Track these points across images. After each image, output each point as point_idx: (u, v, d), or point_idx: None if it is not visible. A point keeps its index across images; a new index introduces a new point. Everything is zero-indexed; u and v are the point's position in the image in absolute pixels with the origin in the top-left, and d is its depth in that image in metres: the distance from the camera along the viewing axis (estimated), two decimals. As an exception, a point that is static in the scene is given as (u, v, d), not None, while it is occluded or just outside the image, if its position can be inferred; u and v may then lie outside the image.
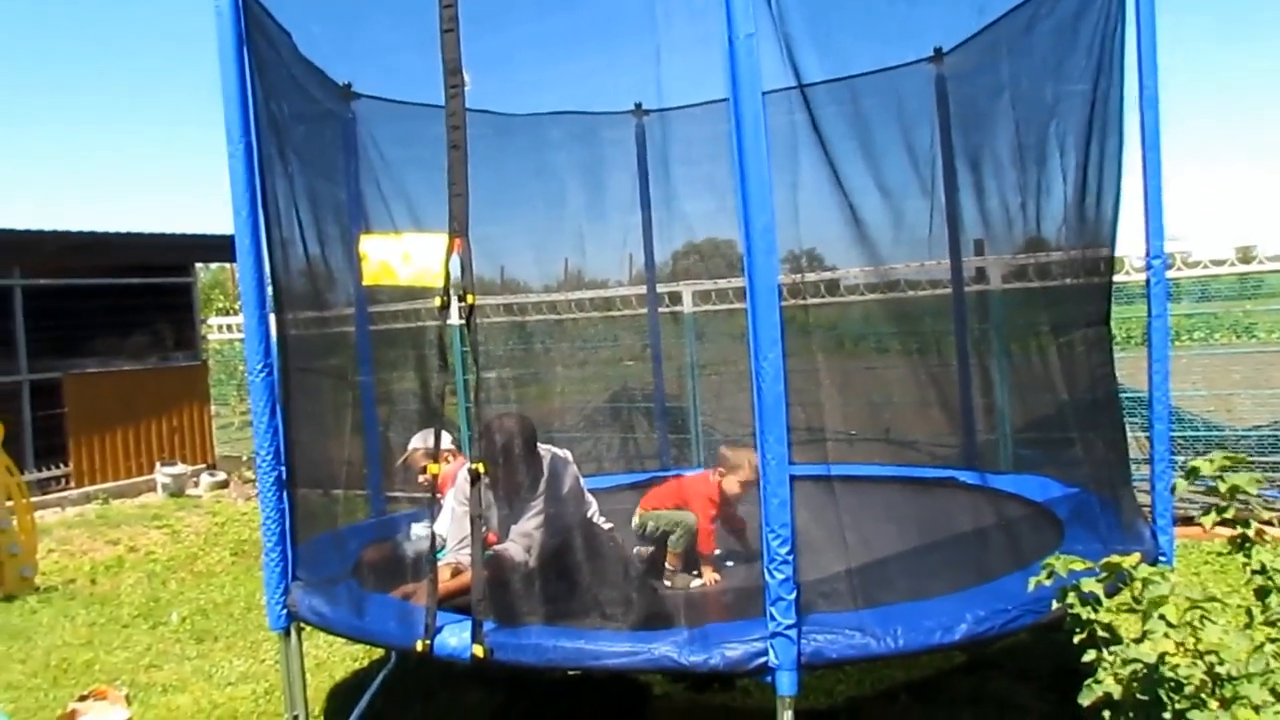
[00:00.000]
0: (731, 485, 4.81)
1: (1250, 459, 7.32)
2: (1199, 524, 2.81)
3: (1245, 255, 7.94)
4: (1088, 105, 4.31)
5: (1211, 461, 2.64)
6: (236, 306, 19.26)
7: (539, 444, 4.09)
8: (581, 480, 4.38)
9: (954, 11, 4.89)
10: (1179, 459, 7.05)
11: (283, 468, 3.89)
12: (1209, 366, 8.22)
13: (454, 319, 3.50)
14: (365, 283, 3.73)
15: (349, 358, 4.92)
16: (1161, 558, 4.17)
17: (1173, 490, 3.86)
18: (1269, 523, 6.58)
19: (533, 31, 4.17)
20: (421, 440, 4.51)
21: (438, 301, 3.36)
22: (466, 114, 3.39)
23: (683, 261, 7.44)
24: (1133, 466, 4.66)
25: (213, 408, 13.30)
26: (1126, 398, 5.53)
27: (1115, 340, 4.82)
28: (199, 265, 14.50)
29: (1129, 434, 4.93)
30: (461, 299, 3.31)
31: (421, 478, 4.22)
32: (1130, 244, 5.21)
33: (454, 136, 3.36)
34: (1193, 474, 2.66)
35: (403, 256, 3.51)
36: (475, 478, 3.34)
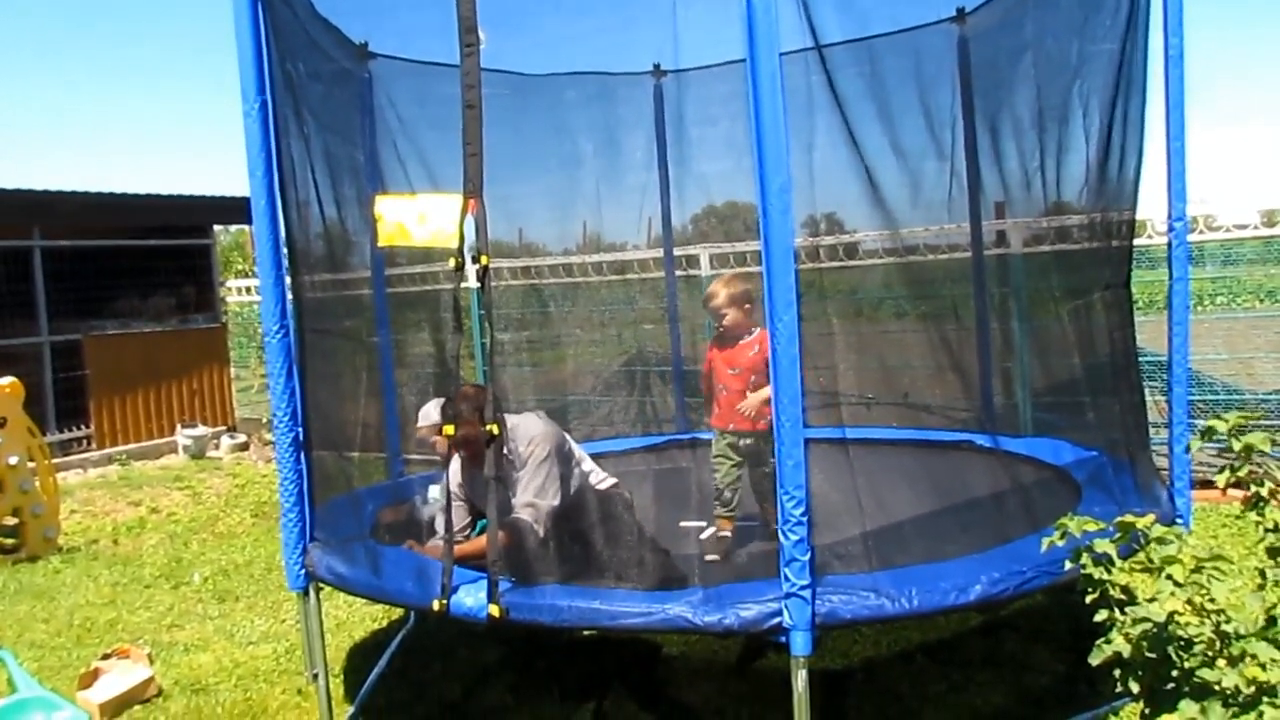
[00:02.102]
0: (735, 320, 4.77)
1: (1270, 421, 7.27)
2: (1217, 486, 2.80)
3: (1270, 219, 7.84)
4: (1113, 64, 4.24)
5: (1226, 420, 2.62)
6: (256, 269, 19.32)
7: (508, 414, 4.08)
8: (571, 442, 4.38)
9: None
10: (1198, 422, 7.03)
11: (300, 429, 3.91)
12: (1230, 330, 8.15)
13: (470, 280, 3.49)
14: (380, 243, 3.72)
15: (366, 319, 4.93)
16: (1178, 520, 4.16)
17: (1188, 450, 3.84)
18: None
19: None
20: (426, 416, 4.51)
21: (452, 262, 3.35)
22: (482, 73, 3.37)
23: (701, 224, 7.40)
24: (1151, 430, 4.64)
25: (232, 370, 13.39)
26: (1146, 361, 5.50)
27: (1137, 304, 4.79)
28: (218, 228, 14.52)
29: (1149, 397, 4.90)
30: (476, 260, 3.30)
31: (436, 439, 4.24)
32: (1152, 208, 5.18)
33: (469, 96, 3.33)
34: (1209, 433, 2.65)
35: (418, 217, 3.50)
36: (490, 439, 3.36)
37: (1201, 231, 7.65)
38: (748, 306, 4.76)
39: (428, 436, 4.55)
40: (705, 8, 3.50)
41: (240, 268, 22.09)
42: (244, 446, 12.32)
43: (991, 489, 4.66)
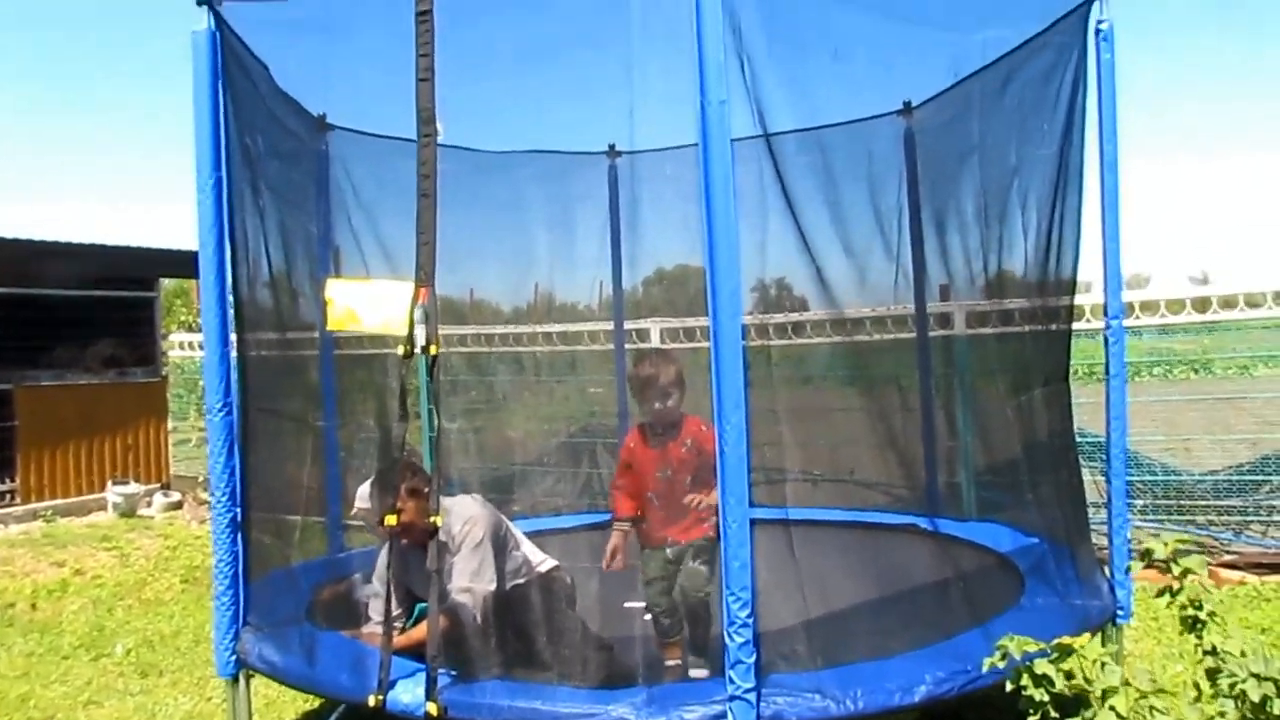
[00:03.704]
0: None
1: (1207, 503, 7.44)
2: (1157, 566, 2.84)
3: (1202, 302, 8.05)
4: (1052, 165, 4.41)
5: (1165, 544, 2.68)
6: (200, 321, 19.01)
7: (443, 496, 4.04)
8: (511, 526, 4.33)
9: (929, 74, 4.93)
10: (1138, 503, 7.20)
11: (238, 509, 3.85)
12: (1165, 410, 8.34)
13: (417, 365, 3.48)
14: (330, 328, 3.71)
15: (312, 400, 4.88)
16: (1120, 612, 4.24)
17: (1127, 570, 3.93)
18: (1231, 565, 6.70)
19: (510, 85, 4.19)
20: (361, 496, 4.41)
21: (401, 350, 3.34)
22: (441, 151, 3.40)
23: (652, 288, 7.46)
24: (1091, 509, 4.73)
25: (170, 423, 13.10)
26: (1086, 442, 5.61)
27: (1076, 375, 4.89)
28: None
29: (1088, 477, 4.99)
30: (425, 349, 3.29)
31: (379, 530, 4.19)
32: (1089, 284, 5.34)
33: (424, 185, 3.36)
34: (1147, 555, 2.71)
35: (369, 302, 3.50)
36: (433, 531, 3.32)
37: (1138, 315, 7.85)
38: (682, 392, 4.28)
39: (366, 519, 4.47)
40: (662, 103, 3.55)
41: (184, 319, 21.75)
42: (177, 505, 12.00)
43: (935, 577, 4.70)
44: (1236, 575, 6.60)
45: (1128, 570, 4.29)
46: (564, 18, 3.77)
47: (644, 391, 4.30)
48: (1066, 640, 2.40)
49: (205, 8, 3.78)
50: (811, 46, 3.96)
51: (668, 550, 4.24)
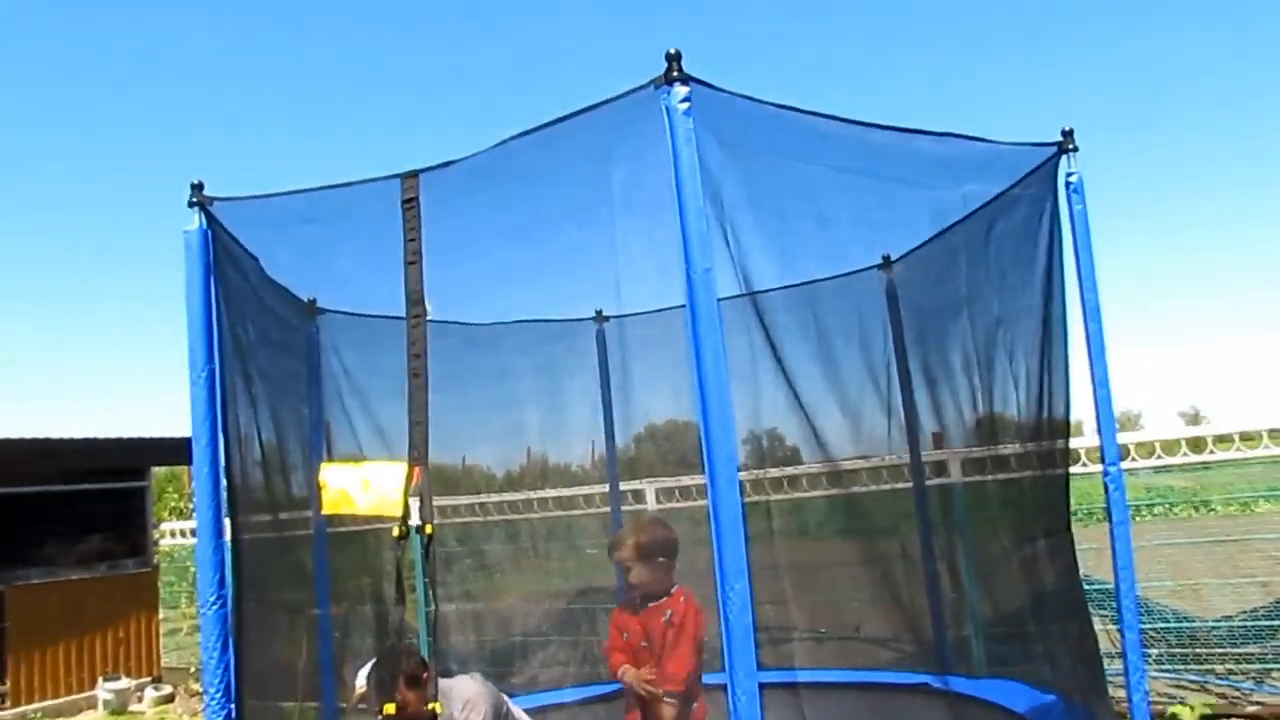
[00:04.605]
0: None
1: (1223, 650, 7.26)
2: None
3: (1196, 442, 8.06)
4: (1035, 316, 4.49)
5: (1192, 709, 2.61)
6: (191, 506, 18.83)
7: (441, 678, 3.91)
8: (511, 704, 4.20)
9: (912, 230, 5.04)
10: (1152, 652, 7.03)
11: (233, 706, 3.73)
12: (1172, 553, 8.22)
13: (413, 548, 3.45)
14: (324, 511, 3.69)
15: (306, 586, 4.80)
16: (1143, 775, 4.08)
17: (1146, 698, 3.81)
18: (1254, 717, 6.47)
19: (496, 263, 4.29)
20: (364, 678, 4.30)
21: (396, 531, 3.31)
22: (430, 326, 3.45)
23: (644, 444, 7.44)
24: (1106, 659, 4.60)
25: (161, 612, 12.82)
26: (1093, 589, 5.51)
27: (1076, 516, 4.83)
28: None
29: (1098, 626, 4.88)
30: (420, 530, 3.27)
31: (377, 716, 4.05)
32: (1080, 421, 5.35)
33: (415, 365, 3.40)
34: None
35: (362, 484, 3.48)
36: (433, 718, 3.22)
37: (1133, 459, 7.83)
38: (661, 560, 4.06)
39: (367, 703, 4.33)
40: (647, 277, 3.63)
41: (174, 504, 21.53)
42: (169, 698, 11.64)
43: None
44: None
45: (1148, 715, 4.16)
46: (546, 197, 3.89)
47: (612, 558, 4.29)
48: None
49: (196, 209, 3.90)
50: (793, 211, 4.08)
51: None
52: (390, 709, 3.40)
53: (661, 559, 4.04)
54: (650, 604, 4.08)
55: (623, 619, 4.22)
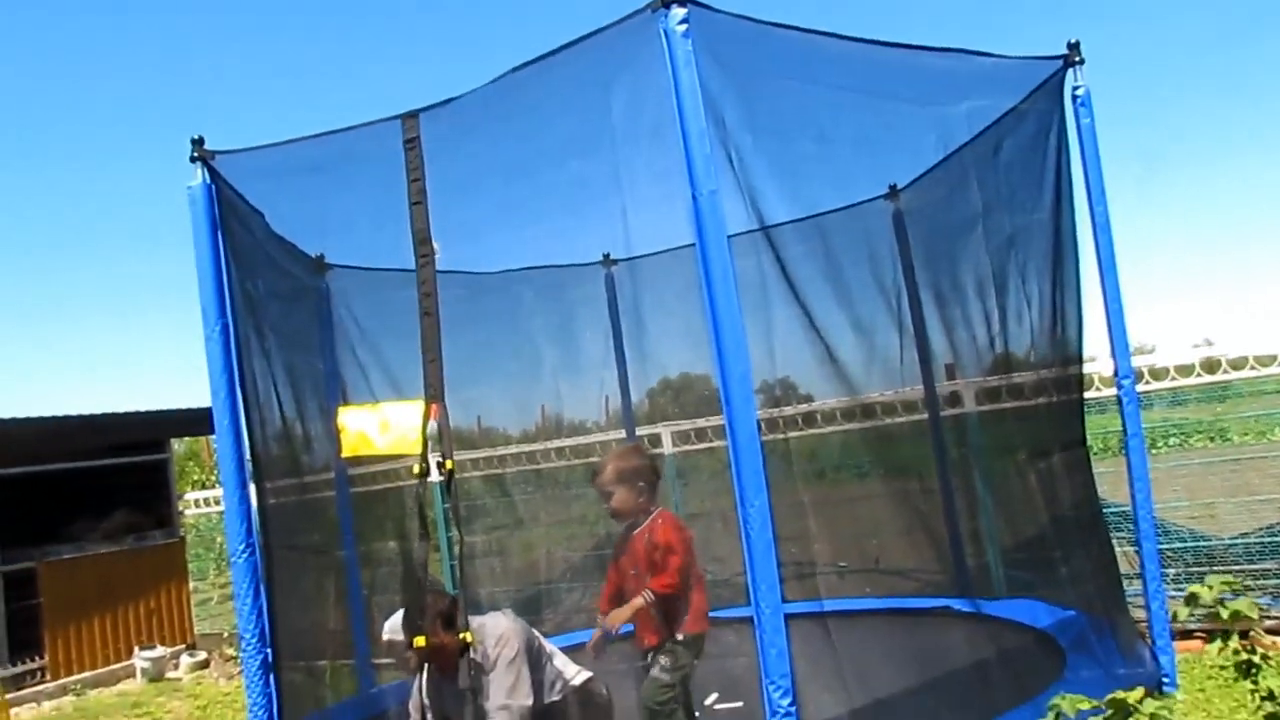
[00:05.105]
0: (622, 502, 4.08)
1: (1240, 567, 7.27)
2: (1200, 642, 2.77)
3: (1210, 363, 8.04)
4: (1046, 233, 4.45)
5: (1210, 587, 2.61)
6: (213, 479, 18.99)
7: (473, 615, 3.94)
8: (543, 639, 4.24)
9: (917, 149, 4.97)
10: (1170, 572, 7.04)
11: (269, 650, 3.80)
12: (1186, 476, 8.22)
13: (434, 482, 3.48)
14: (344, 454, 3.71)
15: (332, 532, 4.86)
16: (1165, 680, 4.12)
17: (1173, 618, 3.83)
18: (1274, 630, 6.49)
19: (499, 198, 4.27)
20: (390, 630, 4.34)
21: (416, 468, 3.35)
22: (439, 278, 3.46)
23: (659, 398, 7.46)
24: (1125, 581, 4.63)
25: (191, 584, 12.99)
26: (1111, 512, 5.53)
27: (1092, 450, 4.84)
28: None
29: (1117, 549, 4.91)
30: (440, 465, 3.30)
31: (408, 653, 4.11)
32: (1093, 358, 5.33)
33: (426, 304, 3.42)
34: (1192, 600, 2.63)
35: (380, 425, 3.51)
36: (464, 648, 3.27)
37: (1147, 381, 7.81)
38: (641, 485, 4.05)
39: (395, 653, 4.37)
40: (653, 205, 3.61)
41: (197, 478, 21.73)
42: (204, 664, 11.80)
43: (975, 658, 4.58)
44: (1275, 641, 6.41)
45: (1171, 636, 4.19)
46: (547, 131, 3.87)
47: (594, 485, 4.21)
48: (1120, 695, 2.32)
49: (199, 164, 3.91)
50: (797, 133, 4.04)
51: (647, 657, 4.00)
52: (420, 642, 3.45)
53: (641, 484, 4.03)
54: (633, 532, 4.08)
55: (612, 565, 4.23)
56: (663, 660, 3.91)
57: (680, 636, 3.93)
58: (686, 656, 3.93)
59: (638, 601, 3.88)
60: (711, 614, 5.95)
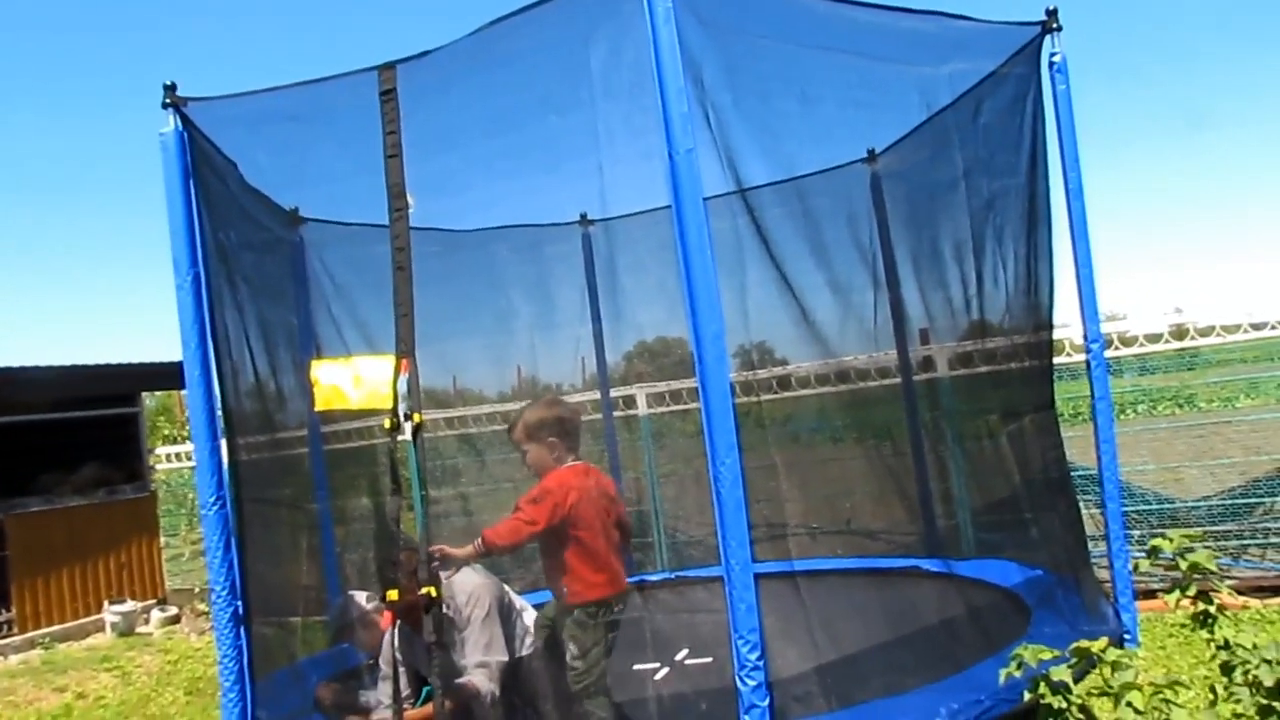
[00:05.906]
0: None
1: (1203, 528, 7.42)
2: (1161, 598, 2.84)
3: (1179, 330, 8.16)
4: (1021, 198, 4.48)
5: (1170, 540, 2.68)
6: (184, 434, 18.92)
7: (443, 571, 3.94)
8: (512, 593, 4.27)
9: (900, 110, 4.96)
10: (1134, 533, 7.20)
11: (239, 603, 3.80)
12: (1153, 440, 8.37)
13: (405, 438, 3.48)
14: (317, 408, 3.70)
15: (304, 485, 4.85)
16: (1127, 636, 4.20)
17: (1134, 569, 3.90)
18: (1233, 590, 6.64)
19: (477, 152, 4.23)
20: (355, 603, 4.32)
21: (387, 423, 3.35)
22: (414, 233, 3.45)
23: (635, 362, 7.47)
24: (1090, 543, 4.71)
25: (162, 539, 12.96)
26: (1078, 476, 5.61)
27: (1063, 416, 4.91)
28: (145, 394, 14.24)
29: (1084, 511, 4.99)
30: (409, 418, 3.30)
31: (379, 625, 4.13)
32: (1065, 324, 5.38)
33: (399, 258, 3.40)
34: (1154, 553, 2.70)
35: (353, 380, 3.51)
36: (430, 602, 3.29)
37: (1116, 347, 7.92)
38: (552, 439, 3.88)
39: (366, 622, 4.36)
40: (631, 162, 3.59)
41: (168, 433, 21.62)
42: (175, 619, 11.82)
43: (942, 615, 4.66)
44: (1239, 600, 6.56)
45: (1134, 595, 4.27)
46: (525, 85, 3.83)
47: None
48: (1084, 644, 2.38)
49: (171, 110, 3.84)
50: (777, 92, 4.02)
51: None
52: (393, 595, 3.47)
53: (551, 438, 3.86)
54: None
55: None
56: (571, 647, 3.80)
57: (578, 608, 3.79)
58: (596, 632, 3.79)
59: (468, 548, 3.76)
60: (683, 572, 6.08)
